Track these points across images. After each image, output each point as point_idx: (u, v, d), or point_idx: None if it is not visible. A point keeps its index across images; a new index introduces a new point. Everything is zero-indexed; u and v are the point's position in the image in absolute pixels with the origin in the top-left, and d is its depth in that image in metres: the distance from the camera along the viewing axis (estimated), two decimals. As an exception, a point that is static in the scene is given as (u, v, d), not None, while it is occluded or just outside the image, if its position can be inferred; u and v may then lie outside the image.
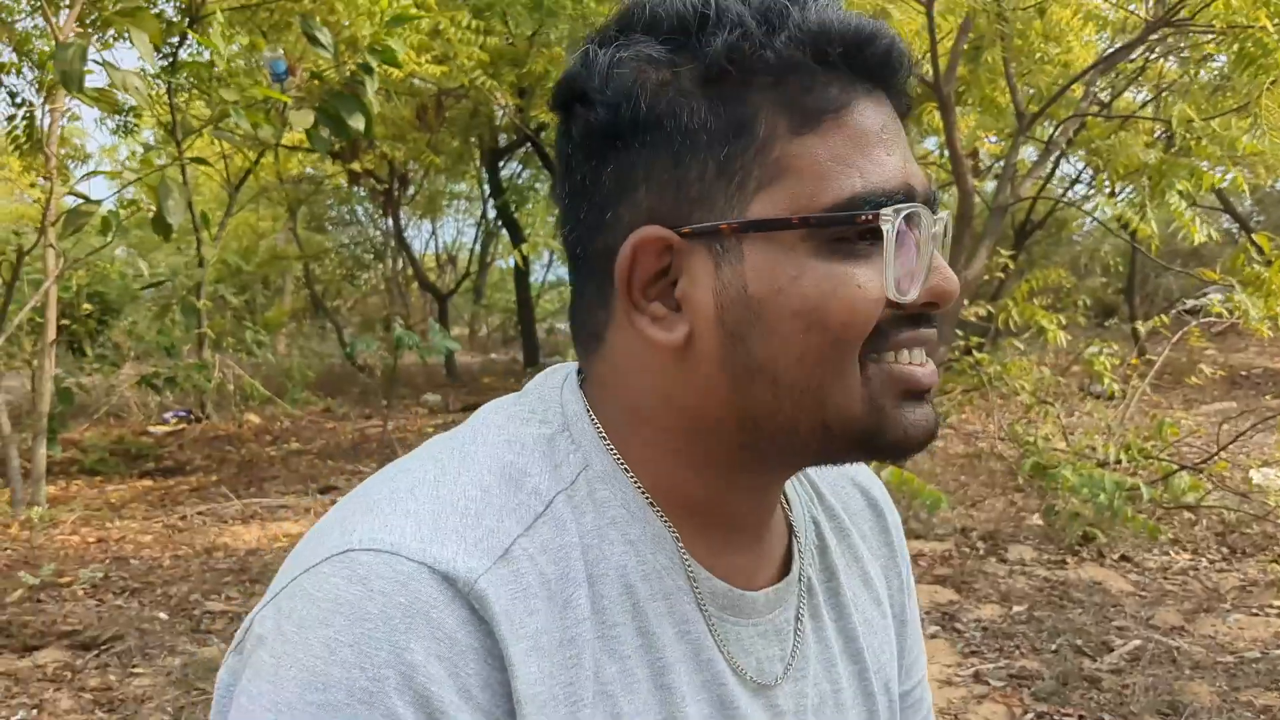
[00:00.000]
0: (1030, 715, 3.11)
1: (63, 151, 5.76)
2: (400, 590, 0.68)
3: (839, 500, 1.02)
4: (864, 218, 0.73)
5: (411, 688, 0.66)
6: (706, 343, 0.77)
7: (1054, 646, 3.60)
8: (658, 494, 0.82)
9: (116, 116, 7.21)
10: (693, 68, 0.75)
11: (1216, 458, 5.81)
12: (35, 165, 6.31)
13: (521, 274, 9.35)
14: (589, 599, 0.76)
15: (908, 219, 0.74)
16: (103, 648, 3.32)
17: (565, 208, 0.81)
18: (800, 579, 0.91)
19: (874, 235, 0.74)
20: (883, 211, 0.72)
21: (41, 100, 5.59)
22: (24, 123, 5.78)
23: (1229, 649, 3.55)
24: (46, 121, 5.72)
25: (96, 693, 2.99)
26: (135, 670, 3.18)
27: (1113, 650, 3.56)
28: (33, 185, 6.64)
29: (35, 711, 2.85)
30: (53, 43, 5.25)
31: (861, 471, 1.08)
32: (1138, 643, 3.62)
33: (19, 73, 6.28)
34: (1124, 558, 4.70)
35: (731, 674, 0.83)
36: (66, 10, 5.39)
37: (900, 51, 0.76)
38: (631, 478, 0.81)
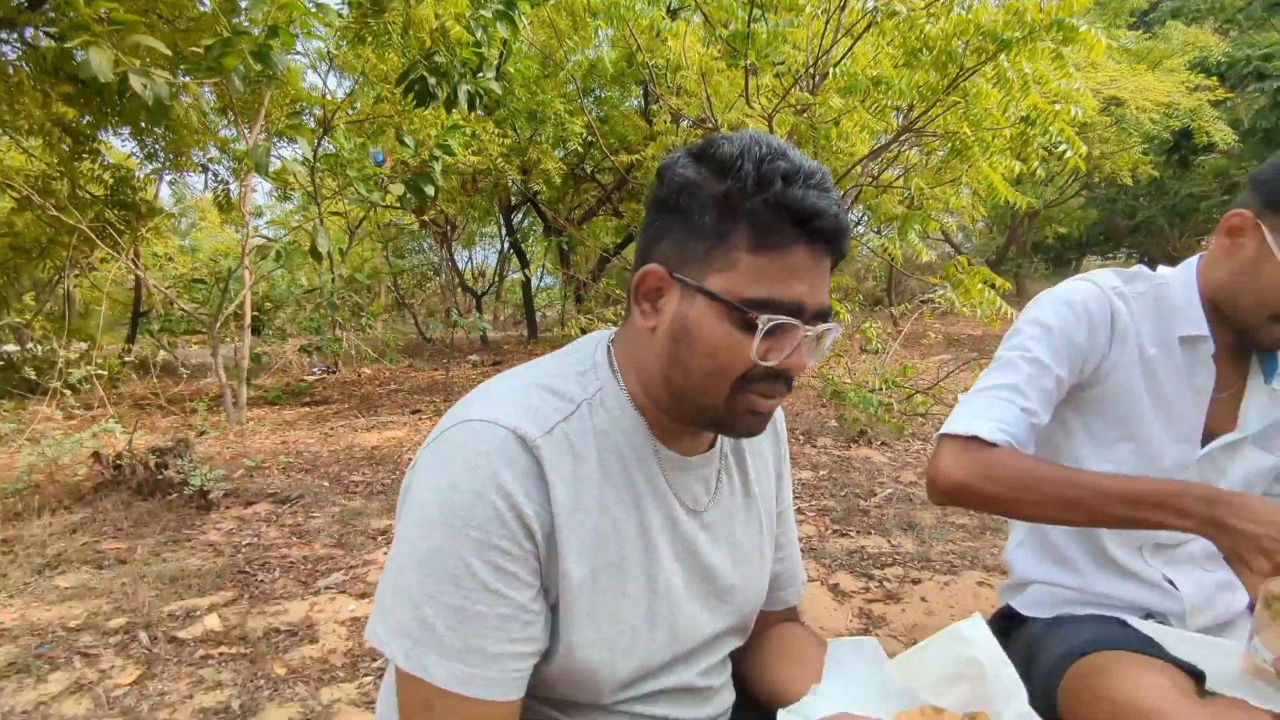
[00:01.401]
0: (830, 531, 3.13)
1: (248, 215, 5.93)
2: (497, 441, 0.74)
3: None
4: (750, 315, 0.74)
5: (502, 491, 0.73)
6: (660, 335, 0.80)
7: (843, 493, 3.63)
8: (640, 407, 0.84)
9: (277, 187, 7.37)
10: (713, 189, 0.76)
11: (937, 385, 6.02)
12: (231, 219, 6.48)
13: (526, 283, 9.34)
14: (597, 459, 0.80)
15: (776, 324, 0.74)
16: (292, 502, 3.43)
17: (639, 241, 0.84)
18: (720, 452, 0.93)
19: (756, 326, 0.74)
20: (760, 316, 0.74)
21: (235, 181, 5.75)
22: (223, 194, 5.90)
23: (915, 495, 3.63)
24: (236, 192, 5.92)
25: (290, 527, 3.11)
26: (313, 515, 3.27)
27: (875, 494, 3.61)
28: (227, 227, 6.74)
29: (257, 538, 2.97)
30: (244, 143, 5.42)
31: None
32: (890, 490, 3.67)
33: (219, 162, 6.44)
34: (883, 443, 4.78)
35: (677, 502, 0.87)
36: (248, 126, 5.55)
37: (837, 226, 0.74)
38: (628, 397, 0.84)
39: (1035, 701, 1.23)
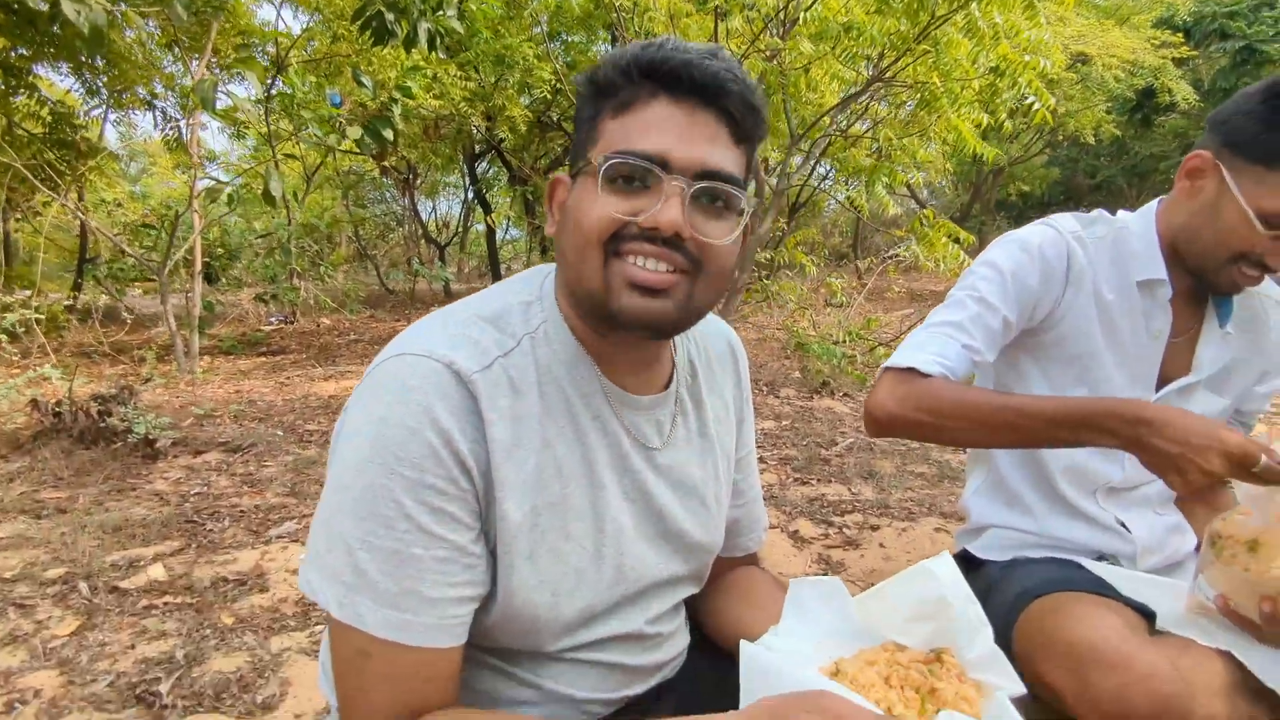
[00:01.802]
0: (791, 479, 3.14)
1: (199, 159, 5.65)
2: (431, 375, 0.70)
3: (711, 346, 0.97)
4: (593, 163, 0.71)
5: (436, 427, 0.68)
6: (556, 237, 0.79)
7: (804, 442, 3.65)
8: (580, 337, 0.80)
9: (231, 127, 7.04)
10: (586, 86, 0.77)
11: (899, 338, 5.93)
12: (181, 162, 6.19)
13: (490, 233, 9.15)
14: (539, 394, 0.76)
15: (632, 169, 0.70)
16: (244, 451, 3.33)
17: None
18: (676, 393, 0.89)
19: (627, 180, 0.71)
20: (596, 160, 0.71)
21: (184, 118, 5.48)
22: (174, 134, 5.63)
23: (900, 443, 3.62)
24: (187, 131, 5.64)
25: (243, 476, 3.03)
26: (265, 464, 3.19)
27: (837, 444, 3.63)
28: (179, 169, 6.46)
29: (207, 487, 2.88)
30: (191, 79, 5.15)
31: (727, 330, 1.02)
32: (852, 440, 3.69)
33: (165, 100, 6.12)
34: (845, 395, 4.79)
35: (627, 440, 0.83)
36: (196, 60, 5.28)
37: (700, 72, 0.70)
38: (570, 330, 0.79)
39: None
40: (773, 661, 0.72)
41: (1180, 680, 1.09)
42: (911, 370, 1.25)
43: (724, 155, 0.73)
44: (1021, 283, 1.32)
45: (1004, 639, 1.26)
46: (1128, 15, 10.85)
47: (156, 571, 2.18)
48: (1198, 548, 1.43)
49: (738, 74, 0.72)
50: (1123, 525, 1.42)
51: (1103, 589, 1.26)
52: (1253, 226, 1.16)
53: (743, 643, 0.75)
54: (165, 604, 2.02)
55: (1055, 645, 1.15)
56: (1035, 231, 1.36)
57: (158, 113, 6.70)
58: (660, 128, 0.71)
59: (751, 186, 0.77)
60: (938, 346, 1.28)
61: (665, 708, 0.94)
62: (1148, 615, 1.23)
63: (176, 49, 5.75)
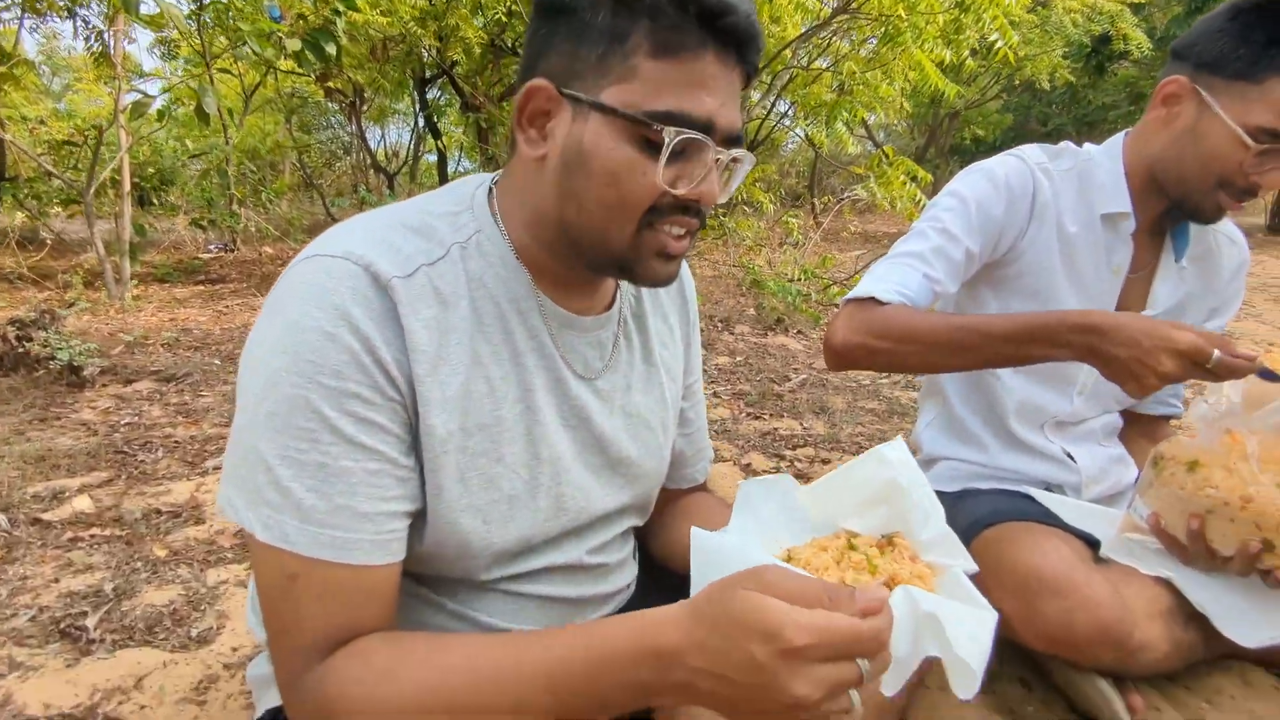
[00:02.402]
0: (744, 414, 3.12)
1: (125, 71, 5.24)
2: (347, 277, 0.65)
3: None
4: (656, 129, 0.65)
5: (356, 332, 0.64)
6: (552, 165, 0.70)
7: (758, 378, 3.63)
8: (524, 255, 0.75)
9: (162, 45, 6.55)
10: None
11: (854, 276, 5.88)
12: (105, 75, 5.73)
13: (442, 160, 8.79)
14: (470, 307, 0.72)
15: (686, 141, 0.66)
16: (179, 380, 3.17)
17: (523, 55, 0.73)
18: (619, 315, 0.86)
19: (673, 146, 0.66)
20: (666, 129, 0.65)
21: (107, 26, 5.06)
22: (97, 44, 5.21)
23: (852, 379, 3.61)
24: (111, 41, 5.21)
25: (177, 406, 2.90)
26: (201, 394, 3.05)
27: (790, 380, 3.62)
28: (105, 84, 5.99)
29: (138, 417, 2.74)
30: None
31: None
32: (804, 376, 3.68)
33: (87, 6, 5.62)
34: (799, 332, 4.76)
35: (565, 365, 0.78)
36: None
37: (750, 27, 0.66)
38: (509, 242, 0.75)
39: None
40: (723, 543, 0.70)
41: (1121, 606, 1.11)
42: (871, 299, 1.23)
43: (741, 113, 0.70)
44: (986, 213, 1.29)
45: (955, 567, 1.27)
46: (1090, -43, 10.76)
47: (82, 503, 2.06)
48: (1139, 480, 1.46)
49: (756, 19, 0.68)
50: (1069, 456, 1.44)
51: (1050, 518, 1.28)
52: (1239, 145, 1.14)
53: (693, 529, 0.72)
54: (92, 536, 1.92)
55: (1004, 573, 1.16)
56: (1001, 162, 1.33)
57: (79, 20, 6.21)
58: (709, 88, 0.66)
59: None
60: (898, 276, 1.25)
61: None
62: (1092, 544, 1.25)
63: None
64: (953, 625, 0.62)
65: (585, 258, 0.73)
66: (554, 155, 0.70)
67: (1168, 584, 1.18)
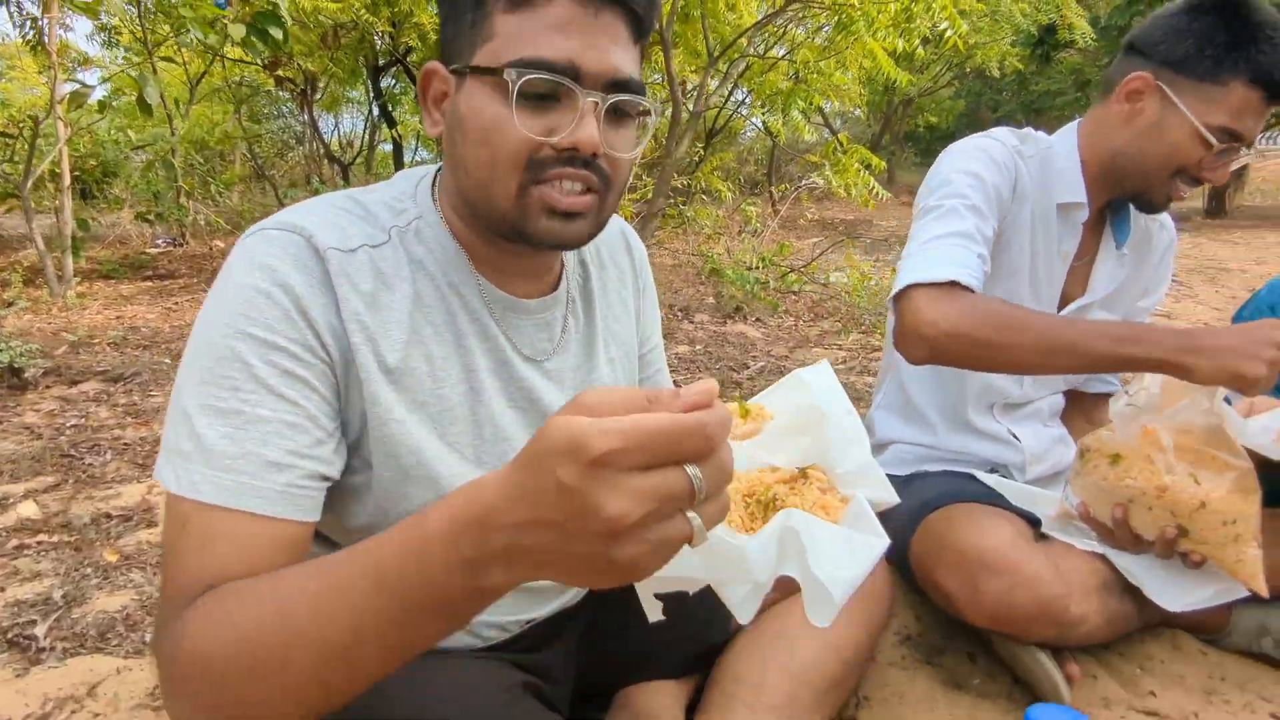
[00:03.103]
0: None
1: (63, 61, 5.01)
2: (289, 245, 0.67)
3: (604, 242, 0.94)
4: (500, 74, 0.65)
5: (290, 292, 0.65)
6: (445, 140, 0.73)
7: (718, 366, 3.63)
8: (461, 240, 0.76)
9: (101, 33, 6.28)
10: None
11: (810, 264, 6.04)
12: (43, 65, 5.49)
13: (398, 149, 8.63)
14: (412, 287, 0.72)
15: (542, 83, 0.65)
16: (127, 380, 3.08)
17: None
18: (566, 296, 0.85)
19: (526, 92, 0.65)
20: (507, 72, 0.64)
21: (41, 13, 4.84)
22: (33, 31, 4.98)
23: (808, 363, 3.80)
24: (46, 28, 4.99)
25: (125, 406, 2.82)
26: (151, 394, 2.97)
27: (749, 367, 3.63)
28: (41, 73, 5.73)
29: (84, 419, 2.66)
30: None
31: (619, 221, 0.98)
32: (763, 363, 3.67)
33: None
34: (758, 319, 4.77)
35: (510, 349, 0.79)
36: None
37: None
38: (447, 227, 0.76)
39: (889, 551, 1.27)
40: None
41: (1060, 582, 1.16)
42: (953, 284, 1.15)
43: (628, 59, 0.68)
44: (998, 193, 1.30)
45: (903, 550, 1.31)
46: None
47: (28, 509, 2.00)
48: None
49: None
50: (1014, 436, 1.48)
51: (994, 499, 1.31)
52: (1201, 142, 1.19)
53: None
54: (39, 543, 1.86)
55: (948, 552, 1.20)
56: (991, 145, 1.33)
57: (12, 6, 5.93)
58: (565, 31, 0.65)
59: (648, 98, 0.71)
60: (961, 257, 1.19)
61: (568, 638, 0.92)
62: (1033, 522, 1.29)
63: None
64: (818, 547, 0.58)
65: (489, 226, 0.73)
66: (446, 131, 0.72)
67: (1102, 558, 1.23)
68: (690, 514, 0.43)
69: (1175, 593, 1.18)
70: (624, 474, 0.40)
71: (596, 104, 0.66)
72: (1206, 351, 1.02)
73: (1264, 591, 1.08)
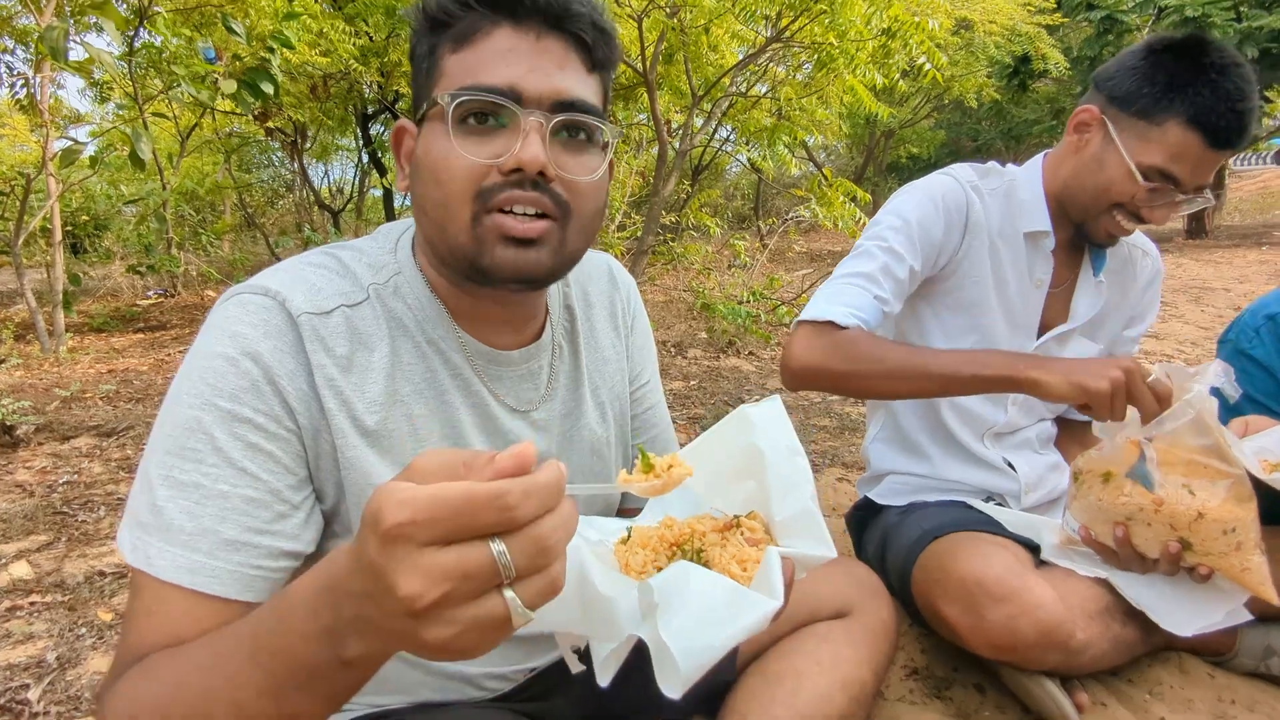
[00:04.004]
0: None
1: (55, 118, 5.07)
2: (260, 310, 0.67)
3: (591, 282, 0.92)
4: (438, 103, 0.65)
5: (259, 361, 0.65)
6: (411, 193, 0.73)
7: (712, 401, 3.64)
8: (440, 292, 0.76)
9: (93, 89, 6.36)
10: (418, 18, 0.70)
11: (801, 296, 6.00)
12: (34, 122, 5.56)
13: (389, 197, 8.69)
14: (390, 348, 0.72)
15: (480, 105, 0.65)
16: (120, 434, 3.06)
17: None
18: (552, 343, 0.84)
19: (479, 119, 0.66)
20: (442, 98, 0.65)
21: (33, 72, 4.91)
22: (23, 88, 5.04)
23: (804, 397, 3.46)
24: (38, 87, 5.05)
25: (119, 461, 2.80)
26: (144, 447, 2.96)
27: (744, 401, 3.48)
28: (32, 130, 5.79)
29: (77, 475, 2.65)
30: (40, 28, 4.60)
31: (606, 259, 0.97)
32: (758, 396, 3.60)
33: (12, 53, 5.45)
34: (751, 353, 4.81)
35: (495, 402, 0.78)
36: (46, 3, 4.72)
37: None
38: (427, 283, 0.76)
39: (892, 584, 1.27)
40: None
41: (1063, 608, 1.16)
42: (829, 323, 1.25)
43: (578, 83, 0.68)
44: (926, 232, 1.33)
45: (904, 581, 1.31)
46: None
47: (20, 570, 1.98)
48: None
49: None
50: (1009, 465, 1.49)
51: (992, 527, 1.32)
52: (1133, 179, 1.21)
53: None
54: (32, 604, 1.84)
55: (950, 582, 1.20)
56: (937, 182, 1.38)
57: (3, 66, 6.02)
58: (506, 58, 0.65)
59: (610, 128, 0.71)
60: (851, 298, 1.27)
61: (573, 685, 0.91)
62: (1033, 549, 1.30)
63: (18, -6, 5.11)
64: (690, 605, 0.54)
65: (454, 269, 0.72)
66: (410, 181, 0.72)
67: (1105, 583, 1.23)
68: (507, 593, 0.39)
69: (1186, 617, 1.17)
70: (418, 549, 0.38)
71: (541, 124, 0.65)
72: (1056, 369, 1.09)
73: (1275, 599, 1.07)
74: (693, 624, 0.54)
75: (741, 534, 0.67)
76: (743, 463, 0.71)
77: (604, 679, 0.60)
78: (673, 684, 0.52)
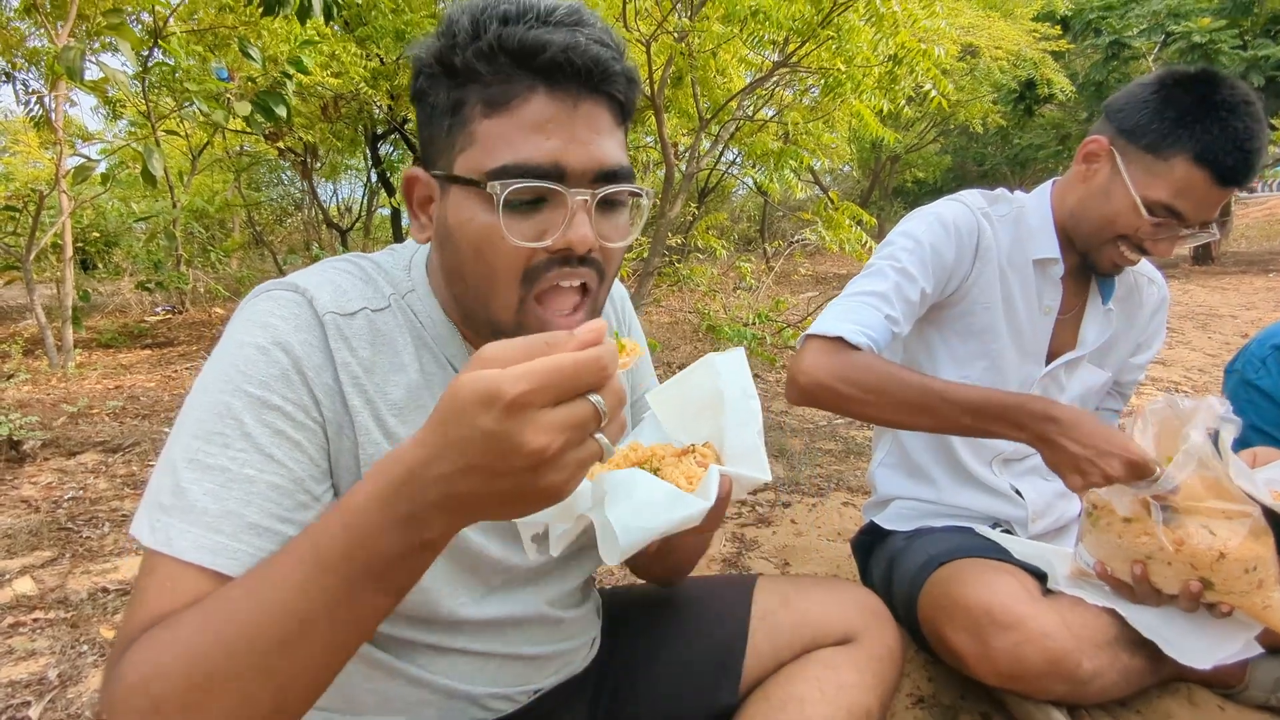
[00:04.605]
0: None
1: (68, 135, 5.15)
2: (291, 304, 0.68)
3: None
4: (483, 186, 0.64)
5: (290, 352, 0.66)
6: (436, 246, 0.73)
7: (715, 422, 3.80)
8: (454, 316, 0.77)
9: (106, 106, 6.46)
10: (435, 58, 0.67)
11: (806, 319, 5.97)
12: (46, 140, 5.64)
13: (396, 216, 8.79)
14: (416, 358, 0.74)
15: (527, 190, 0.64)
16: (126, 450, 3.07)
17: None
18: None
19: (525, 200, 0.64)
20: (490, 184, 0.63)
21: (48, 91, 4.99)
22: (38, 107, 5.13)
23: (809, 420, 3.70)
24: (52, 105, 5.14)
25: (124, 477, 2.80)
26: (150, 463, 2.90)
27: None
28: (46, 148, 5.87)
29: (83, 491, 2.66)
30: (57, 43, 4.68)
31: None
32: (764, 419, 3.87)
33: (27, 71, 5.55)
34: (757, 375, 4.64)
35: None
36: (62, 25, 4.82)
37: (579, 56, 0.63)
38: (438, 302, 0.77)
39: (897, 610, 1.27)
40: None
41: (1070, 637, 1.15)
42: (839, 340, 1.24)
43: (613, 146, 0.67)
44: (939, 255, 1.34)
45: (910, 607, 1.30)
46: (1011, 9, 11.40)
47: (24, 585, 1.98)
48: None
49: (613, 46, 0.65)
50: (1017, 492, 1.49)
51: (999, 554, 1.32)
52: (1138, 213, 1.22)
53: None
54: (35, 621, 1.84)
55: (956, 609, 1.19)
56: (949, 207, 1.38)
57: (18, 84, 6.14)
58: (546, 129, 0.63)
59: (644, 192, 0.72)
60: (863, 316, 1.27)
61: (577, 706, 0.91)
62: (1040, 576, 1.29)
63: (38, 13, 5.22)
64: (634, 497, 0.63)
65: (482, 326, 0.73)
66: (434, 237, 0.72)
67: (1114, 612, 1.22)
68: (598, 435, 0.49)
69: (1201, 650, 1.15)
70: (539, 411, 0.46)
71: (586, 201, 0.65)
72: (1053, 447, 1.11)
73: None
74: (634, 510, 0.62)
75: (695, 459, 0.75)
76: (705, 402, 0.79)
77: (555, 550, 0.68)
78: (612, 554, 0.61)
